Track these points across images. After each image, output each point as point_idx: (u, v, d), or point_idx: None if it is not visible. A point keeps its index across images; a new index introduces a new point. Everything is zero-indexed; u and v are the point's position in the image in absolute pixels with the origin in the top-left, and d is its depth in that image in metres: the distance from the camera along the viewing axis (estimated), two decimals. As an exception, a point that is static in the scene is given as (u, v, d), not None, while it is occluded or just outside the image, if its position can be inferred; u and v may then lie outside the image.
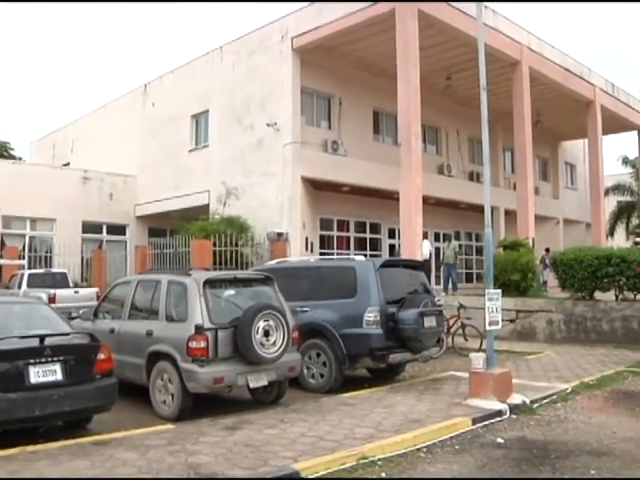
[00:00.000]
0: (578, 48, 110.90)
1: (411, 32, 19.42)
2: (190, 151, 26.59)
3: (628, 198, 38.30)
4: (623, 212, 38.05)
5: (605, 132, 31.92)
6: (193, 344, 8.65)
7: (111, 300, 11.13)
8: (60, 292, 19.19)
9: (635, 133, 36.12)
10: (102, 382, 7.88)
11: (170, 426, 8.27)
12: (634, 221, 35.47)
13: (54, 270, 22.42)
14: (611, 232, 36.91)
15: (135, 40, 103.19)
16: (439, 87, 25.90)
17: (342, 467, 6.73)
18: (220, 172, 24.28)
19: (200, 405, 9.02)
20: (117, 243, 28.81)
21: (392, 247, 26.50)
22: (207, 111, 25.76)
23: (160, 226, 28.09)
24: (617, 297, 17.30)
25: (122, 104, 31.50)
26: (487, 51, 12.10)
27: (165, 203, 27.13)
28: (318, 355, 11.12)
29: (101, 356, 7.94)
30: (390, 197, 22.32)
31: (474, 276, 31.71)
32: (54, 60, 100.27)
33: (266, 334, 9.05)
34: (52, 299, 18.18)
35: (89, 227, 28.24)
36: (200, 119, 26.47)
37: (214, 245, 20.32)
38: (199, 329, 8.67)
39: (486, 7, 21.45)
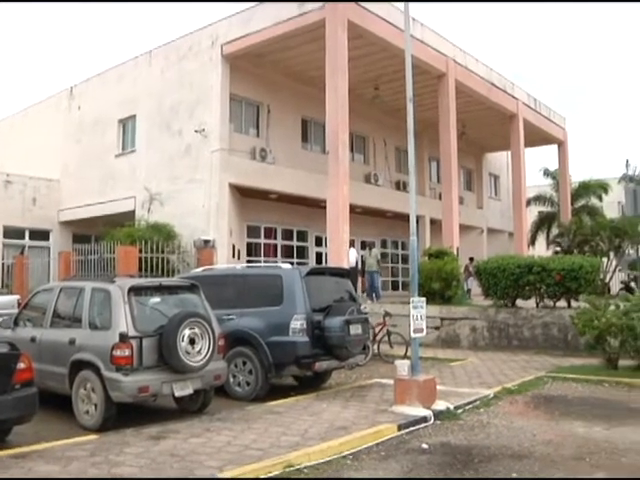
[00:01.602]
0: (500, 65, 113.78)
1: (340, 42, 19.59)
2: (117, 156, 26.11)
3: (549, 208, 39.52)
4: (544, 222, 39.11)
5: (527, 145, 32.95)
6: (117, 352, 8.51)
7: (33, 307, 10.85)
8: (-21, 299, 18.61)
9: (555, 146, 37.27)
10: (22, 392, 7.68)
11: (93, 437, 8.10)
12: (554, 231, 36.41)
13: (-27, 276, 21.77)
14: (532, 241, 37.89)
15: (62, 42, 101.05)
16: (367, 97, 26.20)
17: (268, 475, 6.72)
18: (147, 178, 23.90)
19: (124, 415, 8.86)
20: (40, 249, 27.99)
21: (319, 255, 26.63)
22: (134, 116, 25.35)
23: (85, 232, 27.49)
24: (538, 304, 17.78)
25: (47, 106, 30.65)
26: (414, 63, 12.33)
27: (90, 209, 26.51)
28: (244, 363, 11.08)
29: (21, 365, 7.74)
30: (317, 205, 22.44)
31: (400, 284, 32.15)
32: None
33: (192, 342, 8.99)
34: (-30, 307, 17.60)
35: (11, 232, 27.33)
36: (127, 124, 26.02)
37: (140, 252, 19.94)
38: (123, 337, 8.54)
39: (414, 20, 21.87)
